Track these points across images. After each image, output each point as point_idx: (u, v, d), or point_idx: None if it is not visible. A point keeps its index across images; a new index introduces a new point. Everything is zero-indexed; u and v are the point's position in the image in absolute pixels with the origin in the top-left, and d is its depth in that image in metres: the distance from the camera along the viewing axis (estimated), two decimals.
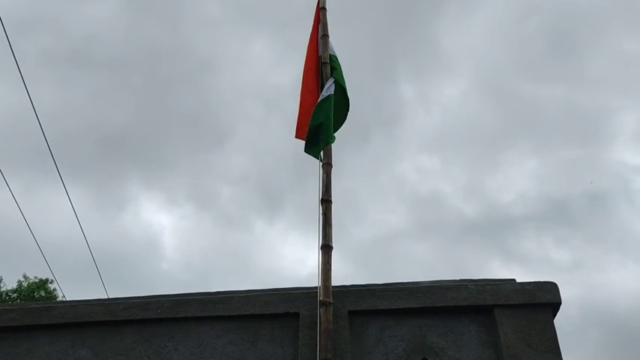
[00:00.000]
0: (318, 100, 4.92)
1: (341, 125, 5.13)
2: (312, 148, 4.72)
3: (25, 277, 22.07)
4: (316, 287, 4.01)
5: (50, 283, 21.81)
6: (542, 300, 3.79)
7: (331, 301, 3.87)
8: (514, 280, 3.95)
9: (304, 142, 4.79)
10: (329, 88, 4.97)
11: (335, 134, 4.83)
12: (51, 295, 21.52)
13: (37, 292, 21.58)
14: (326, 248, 4.21)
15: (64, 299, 19.59)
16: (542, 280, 3.89)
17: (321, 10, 5.70)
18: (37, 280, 22.10)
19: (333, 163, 4.70)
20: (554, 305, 3.82)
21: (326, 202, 4.47)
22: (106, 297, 5.80)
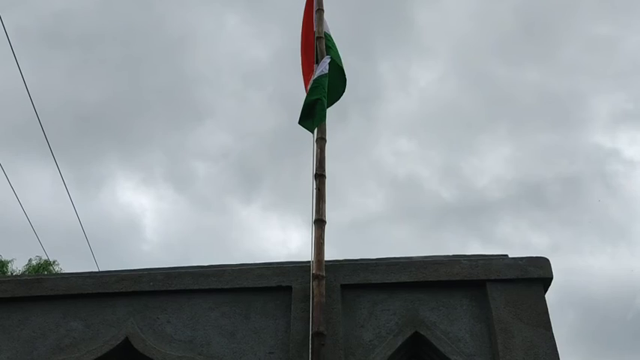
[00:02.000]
0: (314, 77, 4.88)
1: (333, 103, 5.11)
2: (305, 122, 4.69)
3: (37, 257, 22.00)
4: (309, 261, 4.01)
5: (52, 265, 21.76)
6: (534, 275, 3.81)
7: (324, 274, 3.88)
8: (506, 255, 3.97)
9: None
10: (324, 66, 4.92)
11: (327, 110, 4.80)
12: None
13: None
14: (319, 222, 4.20)
15: None
16: (534, 255, 3.91)
17: None
18: (42, 262, 22.04)
19: (327, 138, 4.68)
20: (546, 280, 3.84)
21: (320, 176, 4.45)
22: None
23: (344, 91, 5.16)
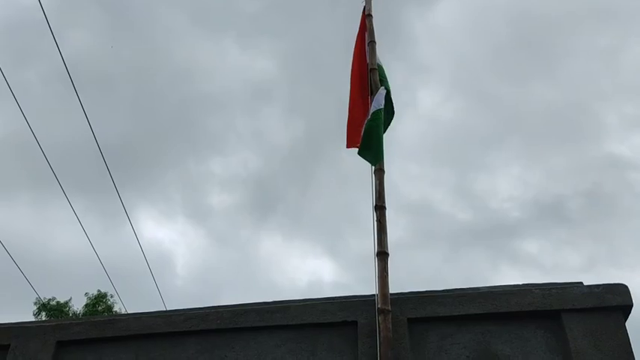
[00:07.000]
0: (371, 111, 4.88)
1: (385, 130, 5.09)
2: (365, 154, 4.68)
3: (96, 291, 22.90)
4: (374, 295, 3.96)
5: (104, 297, 22.55)
6: (613, 303, 3.62)
7: (389, 308, 3.81)
8: (581, 283, 3.79)
9: (358, 147, 4.78)
10: (381, 99, 4.91)
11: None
12: (110, 308, 22.26)
13: (98, 306, 22.36)
14: (382, 255, 4.16)
15: (119, 311, 20.26)
16: (610, 282, 3.72)
17: (367, 17, 5.69)
18: (97, 295, 22.90)
19: (385, 169, 4.66)
20: (626, 308, 3.64)
21: (380, 208, 4.42)
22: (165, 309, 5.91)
23: (392, 118, 5.16)
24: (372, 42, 5.50)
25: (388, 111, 5.08)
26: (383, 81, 5.21)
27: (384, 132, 5.09)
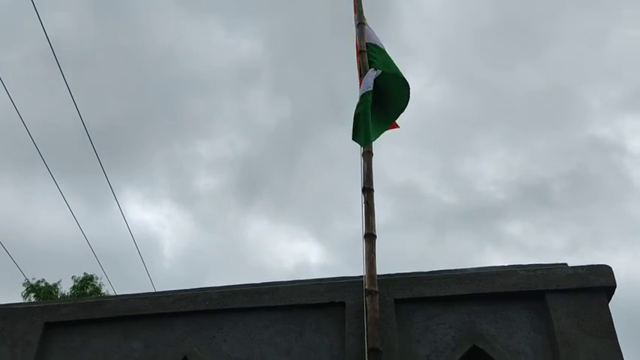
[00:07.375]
0: (360, 93, 4.83)
1: (401, 112, 5.02)
2: (355, 136, 4.64)
3: (82, 274, 22.81)
4: (361, 276, 3.99)
5: (90, 280, 22.48)
6: (596, 284, 3.67)
7: (377, 289, 3.85)
8: (565, 264, 3.85)
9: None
10: (370, 82, 4.83)
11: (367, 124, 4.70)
12: (98, 290, 22.21)
13: (86, 288, 22.28)
14: (370, 237, 4.18)
15: (107, 293, 20.24)
16: (595, 263, 3.78)
17: None
18: (85, 277, 22.81)
19: (373, 151, 4.65)
20: (609, 289, 3.70)
21: (368, 190, 4.43)
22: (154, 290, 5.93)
23: (409, 95, 4.98)
24: (361, 24, 5.46)
25: (395, 90, 4.94)
26: (374, 60, 5.12)
27: (399, 114, 5.00)
